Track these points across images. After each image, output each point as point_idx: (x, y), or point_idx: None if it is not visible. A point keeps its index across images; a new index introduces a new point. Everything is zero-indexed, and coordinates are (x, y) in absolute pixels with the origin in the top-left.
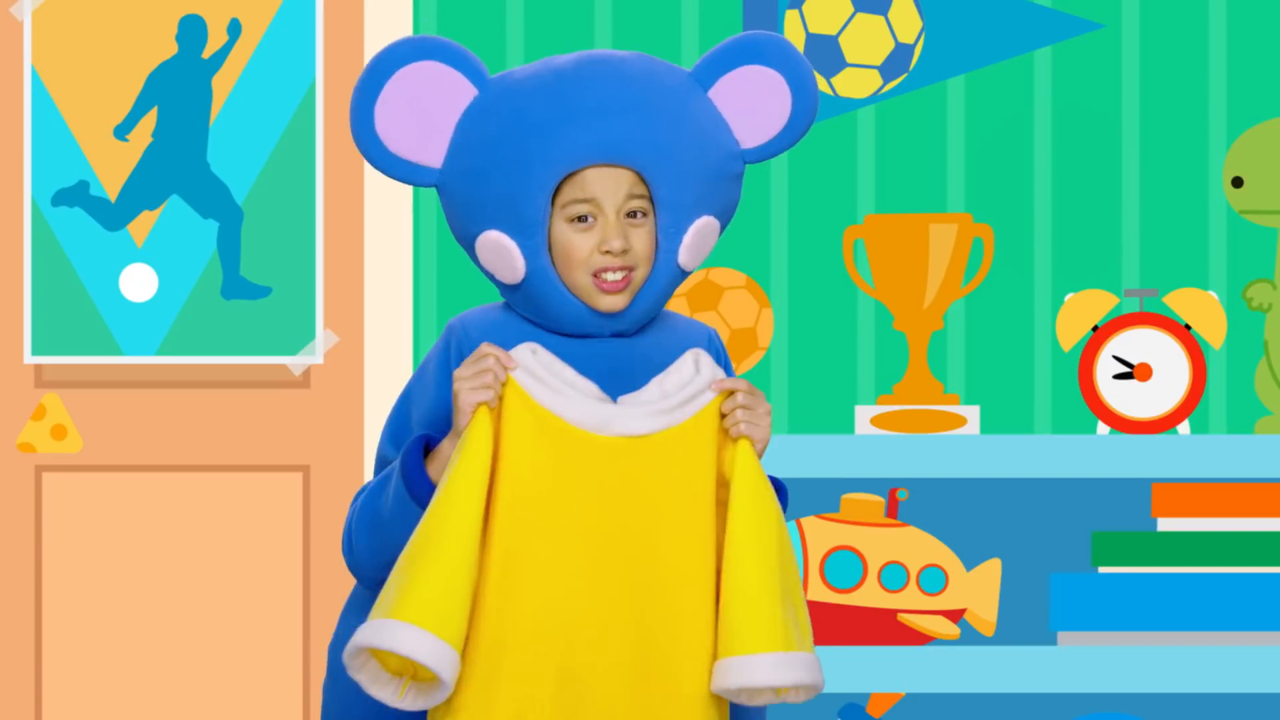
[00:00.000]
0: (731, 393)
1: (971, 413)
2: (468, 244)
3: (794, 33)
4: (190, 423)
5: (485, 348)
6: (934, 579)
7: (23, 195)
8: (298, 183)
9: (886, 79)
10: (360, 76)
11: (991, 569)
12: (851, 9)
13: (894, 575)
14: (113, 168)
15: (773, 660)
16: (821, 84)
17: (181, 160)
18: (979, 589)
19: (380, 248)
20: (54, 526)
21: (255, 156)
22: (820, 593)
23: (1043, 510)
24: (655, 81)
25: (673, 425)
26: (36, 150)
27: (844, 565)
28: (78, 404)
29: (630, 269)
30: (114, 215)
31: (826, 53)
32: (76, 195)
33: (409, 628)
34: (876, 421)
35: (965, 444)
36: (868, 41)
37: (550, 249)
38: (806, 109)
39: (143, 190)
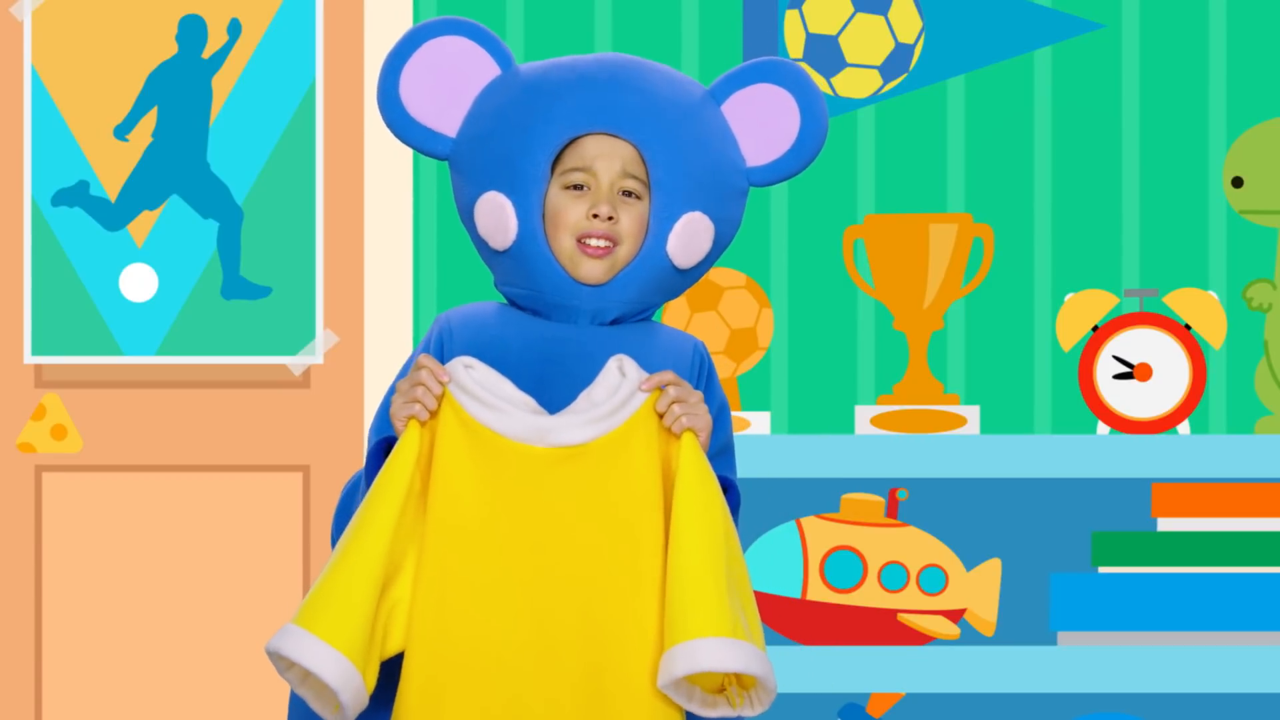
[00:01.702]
0: (661, 391)
1: (971, 413)
2: (468, 212)
3: (794, 33)
4: (190, 423)
5: (422, 359)
6: (934, 579)
7: (23, 195)
8: (298, 183)
9: (886, 79)
10: (394, 44)
11: (991, 569)
12: (851, 9)
13: (894, 575)
14: (113, 168)
15: (717, 643)
16: (821, 84)
17: (181, 160)
18: (979, 589)
19: (380, 248)
20: (54, 526)
21: (255, 156)
22: (820, 593)
23: (1043, 510)
24: (670, 78)
25: (609, 431)
26: (36, 150)
27: (844, 565)
28: (78, 404)
29: (614, 241)
30: (114, 215)
31: (826, 53)
32: (76, 195)
33: (302, 633)
34: (876, 421)
35: (965, 444)
36: (868, 41)
37: (544, 214)
38: (814, 132)
39: (143, 190)
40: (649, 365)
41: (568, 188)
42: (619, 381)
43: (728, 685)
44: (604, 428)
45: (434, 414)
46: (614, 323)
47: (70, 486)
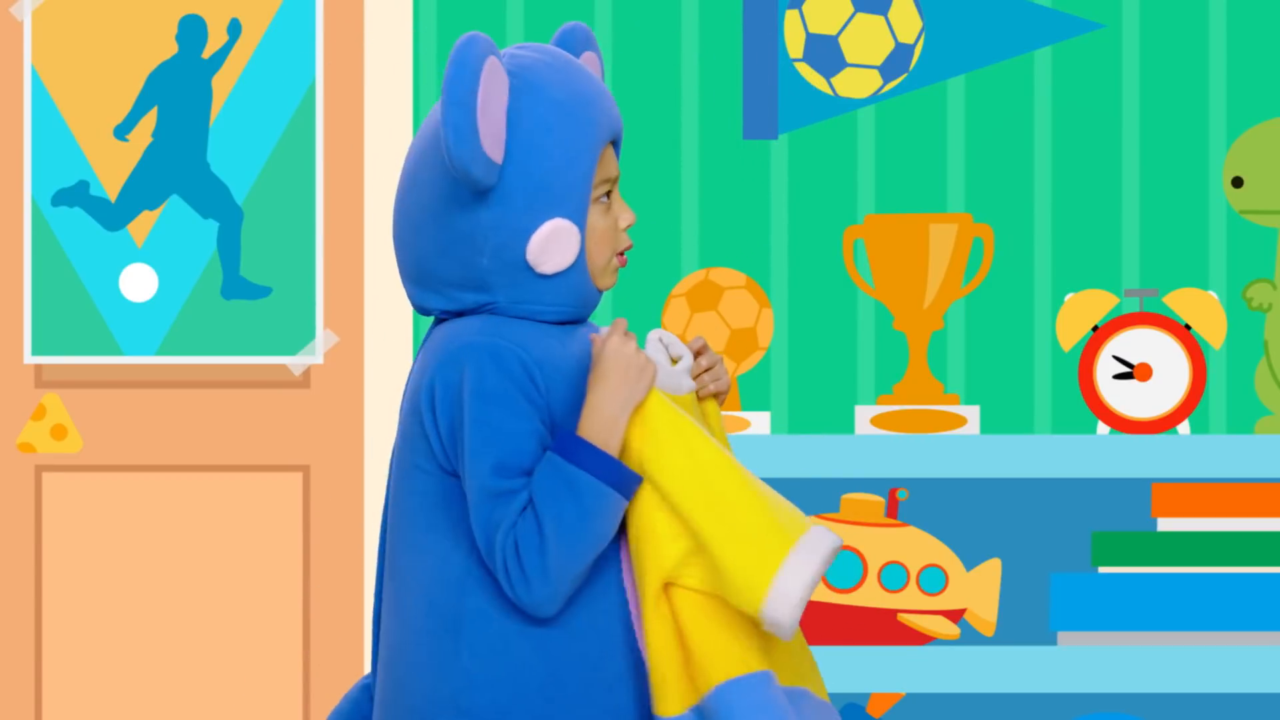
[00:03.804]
0: (698, 354)
1: (971, 413)
2: (517, 239)
3: (794, 33)
4: (190, 423)
5: (623, 323)
6: (934, 579)
7: (23, 195)
8: (298, 183)
9: (886, 79)
10: (450, 78)
11: (991, 569)
12: (851, 9)
13: (894, 575)
14: (113, 168)
15: (794, 560)
16: (821, 84)
17: (181, 160)
18: (979, 589)
19: (380, 248)
20: (54, 526)
21: (255, 156)
22: (820, 593)
23: (1043, 510)
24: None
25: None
26: (36, 150)
27: (844, 565)
28: (78, 404)
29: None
30: (114, 215)
31: (826, 53)
32: (76, 195)
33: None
34: (876, 421)
35: (965, 444)
36: (868, 41)
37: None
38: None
39: (143, 190)
40: (585, 347)
41: (597, 201)
42: (663, 350)
43: None
44: (692, 383)
45: None
46: None
47: (70, 486)
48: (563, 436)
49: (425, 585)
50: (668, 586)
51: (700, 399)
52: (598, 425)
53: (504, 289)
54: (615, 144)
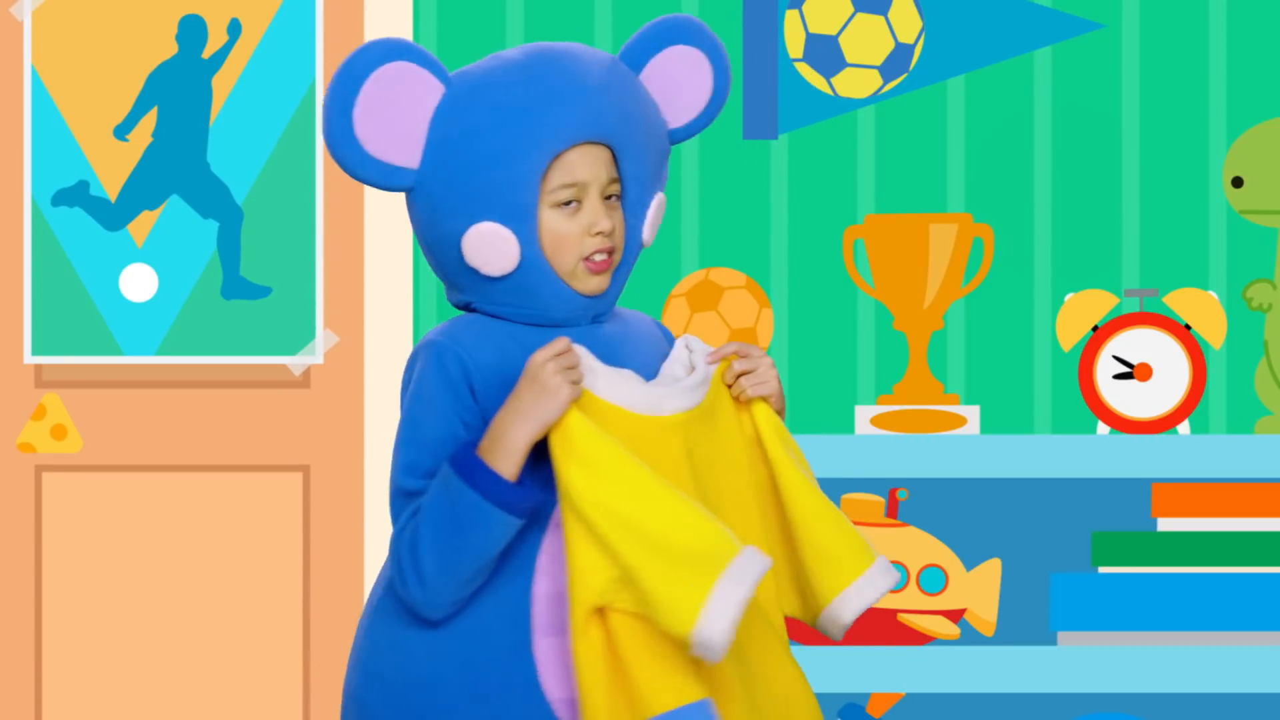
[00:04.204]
0: (728, 363)
1: (971, 413)
2: (449, 241)
3: (794, 33)
4: (190, 423)
5: (564, 342)
6: (934, 579)
7: (23, 195)
8: (298, 183)
9: (886, 79)
10: (331, 83)
11: (991, 569)
12: (851, 9)
13: None
14: (113, 168)
15: (878, 570)
16: (821, 84)
17: (181, 160)
18: (979, 589)
19: (380, 248)
20: (54, 526)
21: (255, 156)
22: None
23: (1043, 510)
24: (610, 64)
25: (699, 402)
26: (36, 150)
27: None
28: (78, 404)
29: (612, 250)
30: (114, 215)
31: (826, 53)
32: (76, 195)
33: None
34: (876, 421)
35: (965, 444)
36: (868, 41)
37: (540, 236)
38: (724, 85)
39: (143, 190)
40: (635, 348)
41: (558, 205)
42: (687, 357)
43: None
44: (695, 398)
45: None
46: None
47: (70, 486)
48: (461, 448)
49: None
50: (604, 610)
51: (740, 404)
52: (491, 441)
53: (468, 289)
54: (615, 150)
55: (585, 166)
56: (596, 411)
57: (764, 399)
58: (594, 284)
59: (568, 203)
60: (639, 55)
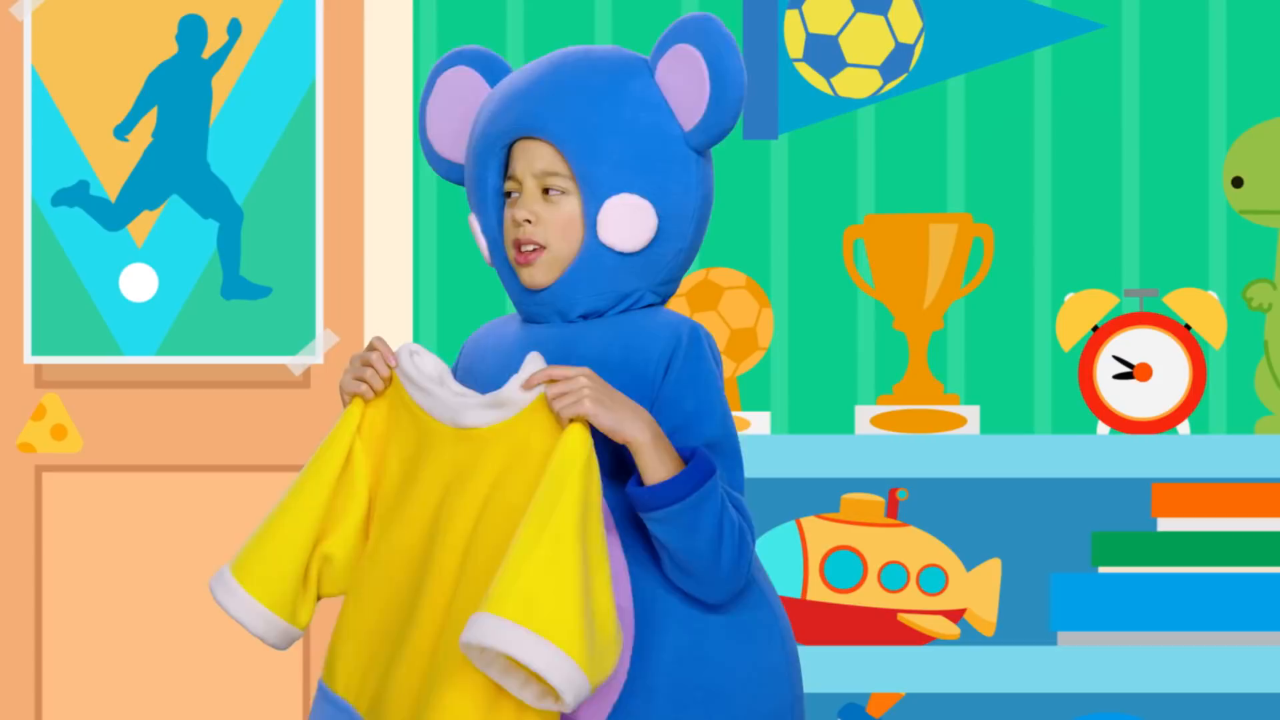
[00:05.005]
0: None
1: (971, 413)
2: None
3: (794, 33)
4: (190, 423)
5: (375, 341)
6: (934, 579)
7: (23, 195)
8: (298, 183)
9: (886, 79)
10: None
11: (991, 569)
12: (851, 9)
13: (894, 575)
14: (113, 168)
15: (507, 627)
16: (821, 84)
17: (181, 160)
18: (979, 589)
19: (380, 248)
20: (54, 526)
21: (255, 156)
22: (820, 593)
23: (1043, 510)
24: (586, 64)
25: (504, 419)
26: (36, 150)
27: (844, 565)
28: (78, 404)
29: (540, 245)
30: (114, 215)
31: (826, 53)
32: (76, 195)
33: (235, 587)
34: (876, 421)
35: (965, 444)
36: (868, 41)
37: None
38: (724, 86)
39: (143, 190)
40: (624, 354)
41: (507, 197)
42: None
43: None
44: (497, 415)
45: (379, 393)
46: (589, 316)
47: (70, 486)
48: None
49: None
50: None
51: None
52: None
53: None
54: (559, 146)
55: (520, 160)
56: (408, 409)
57: (581, 421)
58: (527, 275)
59: (509, 194)
60: (655, 57)
